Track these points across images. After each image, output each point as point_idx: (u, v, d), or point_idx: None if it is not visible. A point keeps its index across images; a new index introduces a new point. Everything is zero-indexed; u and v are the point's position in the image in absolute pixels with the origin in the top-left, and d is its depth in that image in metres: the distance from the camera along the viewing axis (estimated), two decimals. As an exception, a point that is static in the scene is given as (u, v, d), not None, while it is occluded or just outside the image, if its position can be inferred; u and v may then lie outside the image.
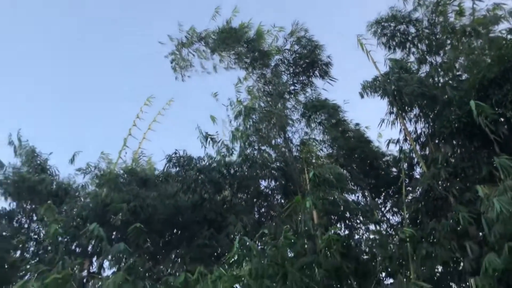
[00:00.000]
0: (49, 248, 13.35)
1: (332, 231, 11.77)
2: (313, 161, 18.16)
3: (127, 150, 19.09)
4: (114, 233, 14.63)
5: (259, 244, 12.89)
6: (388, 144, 16.07)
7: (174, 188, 16.27)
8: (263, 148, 17.73)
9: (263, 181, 17.69)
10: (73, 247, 14.08)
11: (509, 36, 12.39)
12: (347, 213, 14.89)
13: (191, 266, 13.62)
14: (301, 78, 18.70)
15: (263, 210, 17.72)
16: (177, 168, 16.75)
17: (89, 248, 13.77)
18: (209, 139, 17.73)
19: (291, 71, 18.78)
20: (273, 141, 17.97)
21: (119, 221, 13.85)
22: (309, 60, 18.24)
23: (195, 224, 15.13)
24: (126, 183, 16.38)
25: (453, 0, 14.84)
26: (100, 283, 11.42)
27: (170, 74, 19.98)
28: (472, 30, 13.77)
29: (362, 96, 16.11)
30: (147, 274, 13.38)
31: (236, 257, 12.12)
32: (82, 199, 15.24)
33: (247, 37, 18.66)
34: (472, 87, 12.10)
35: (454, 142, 12.86)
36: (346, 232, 15.25)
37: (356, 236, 15.35)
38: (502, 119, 11.39)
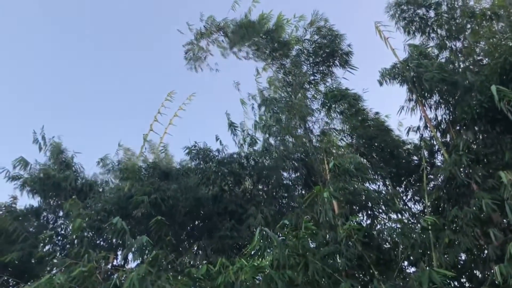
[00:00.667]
0: (75, 242, 13.68)
1: (353, 220, 11.60)
2: (333, 151, 18.16)
3: (150, 144, 19.41)
4: (137, 226, 14.92)
5: (280, 235, 12.97)
6: (408, 132, 15.89)
7: (194, 181, 16.45)
8: (284, 138, 17.77)
9: (284, 172, 17.80)
10: (98, 240, 14.42)
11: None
12: (369, 202, 14.78)
13: (213, 257, 13.83)
14: (321, 68, 18.56)
15: (284, 201, 17.79)
16: (197, 161, 17.03)
17: (114, 241, 14.04)
18: (232, 128, 18.14)
19: (311, 61, 18.63)
20: (294, 132, 17.96)
21: (140, 213, 14.08)
22: (329, 50, 18.07)
23: (216, 215, 15.31)
24: (148, 176, 16.67)
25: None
26: (124, 275, 11.65)
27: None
28: (492, 13, 13.41)
29: (381, 84, 15.90)
30: (169, 266, 13.61)
31: (257, 248, 12.29)
32: (106, 194, 15.53)
33: (267, 28, 18.59)
34: (493, 71, 11.82)
35: (476, 128, 12.61)
36: (368, 221, 15.17)
37: (378, 226, 15.26)
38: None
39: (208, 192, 15.69)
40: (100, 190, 16.98)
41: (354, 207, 14.91)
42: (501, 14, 13.44)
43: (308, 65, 18.67)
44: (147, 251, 11.80)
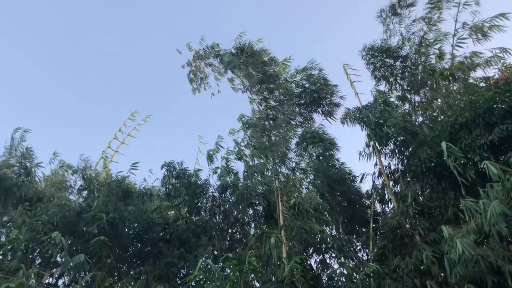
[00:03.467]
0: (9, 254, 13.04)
1: (297, 260, 11.65)
2: (295, 190, 18.35)
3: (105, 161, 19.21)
4: (83, 243, 14.47)
5: (225, 268, 12.86)
6: (361, 179, 16.23)
7: (151, 205, 16.31)
8: (250, 175, 17.83)
9: (243, 207, 17.77)
10: (37, 255, 13.82)
11: (482, 84, 12.66)
12: (320, 244, 14.83)
13: (155, 284, 13.52)
14: (303, 111, 18.56)
15: (237, 236, 17.73)
16: (163, 184, 16.97)
17: (52, 257, 13.52)
18: (208, 157, 18.47)
19: (295, 102, 18.50)
20: (263, 169, 18.09)
21: (95, 230, 13.60)
22: (315, 96, 18.01)
23: (164, 242, 15.06)
24: (107, 193, 16.27)
25: (434, 42, 15.16)
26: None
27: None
28: (450, 74, 14.08)
29: (342, 124, 16.39)
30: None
31: (198, 279, 12.13)
32: (54, 206, 14.95)
33: (262, 62, 18.49)
34: (445, 129, 12.31)
35: (424, 181, 12.97)
36: (316, 263, 15.19)
37: (327, 269, 15.27)
38: (470, 163, 11.52)
39: (161, 217, 15.50)
40: (51, 199, 16.27)
41: (309, 247, 14.93)
42: (458, 75, 14.12)
43: (292, 105, 18.49)
44: (83, 271, 11.49)
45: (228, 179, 17.85)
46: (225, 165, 18.57)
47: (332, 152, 17.31)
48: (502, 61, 13.47)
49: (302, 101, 18.24)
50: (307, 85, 18.18)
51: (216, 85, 19.85)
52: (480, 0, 14.65)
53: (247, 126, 18.07)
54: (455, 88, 14.06)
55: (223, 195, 17.45)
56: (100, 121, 43.65)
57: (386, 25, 16.73)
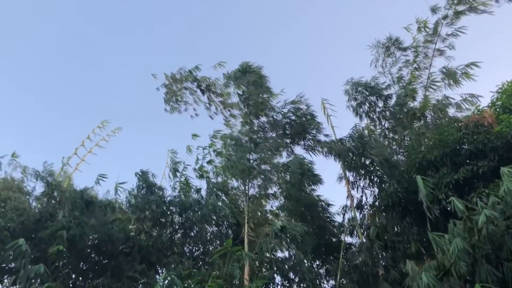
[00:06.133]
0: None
1: (258, 283, 11.56)
2: (264, 214, 18.32)
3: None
4: (39, 252, 13.88)
5: (187, 286, 12.60)
6: (343, 211, 16.17)
7: (113, 216, 15.91)
8: (217, 194, 17.69)
9: (209, 226, 17.57)
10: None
11: (452, 125, 13.14)
12: (285, 271, 14.75)
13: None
14: (284, 141, 18.17)
15: (201, 255, 17.48)
16: (128, 197, 16.61)
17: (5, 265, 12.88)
18: (173, 171, 18.14)
19: (280, 132, 18.12)
20: (232, 190, 17.97)
21: (55, 249, 12.99)
22: (301, 130, 17.83)
23: (125, 255, 14.65)
24: (69, 206, 15.71)
25: (409, 83, 15.82)
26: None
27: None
28: (421, 114, 14.68)
29: (320, 154, 16.80)
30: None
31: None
32: (13, 211, 14.29)
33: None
34: (413, 165, 12.68)
35: (390, 215, 13.23)
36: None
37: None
38: (435, 200, 11.84)
39: (122, 230, 15.12)
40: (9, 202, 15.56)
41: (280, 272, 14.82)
42: (430, 115, 14.75)
43: (277, 135, 18.09)
44: (38, 282, 11.00)
45: (190, 198, 17.68)
46: (184, 181, 18.46)
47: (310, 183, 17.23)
48: (476, 104, 14.19)
49: (287, 132, 18.26)
50: (293, 118, 18.07)
51: (192, 109, 19.80)
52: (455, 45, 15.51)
53: (232, 142, 17.71)
54: (425, 128, 14.59)
55: (188, 212, 17.18)
56: (70, 130, 42.61)
57: (377, 60, 17.49)
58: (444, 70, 15.49)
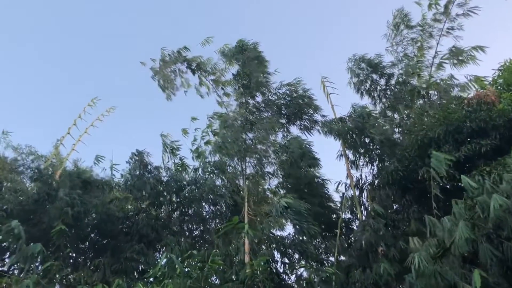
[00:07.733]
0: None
1: (262, 260, 11.65)
2: (263, 192, 18.31)
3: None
4: (39, 232, 13.84)
5: (187, 265, 12.66)
6: (337, 188, 16.16)
7: (111, 195, 15.86)
8: (215, 173, 17.61)
9: (207, 205, 17.55)
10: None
11: (455, 104, 13.01)
12: (285, 248, 14.85)
13: (113, 277, 13.10)
14: (282, 121, 18.16)
15: (200, 233, 17.54)
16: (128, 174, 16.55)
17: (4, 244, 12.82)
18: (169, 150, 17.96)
19: (276, 112, 18.06)
20: (229, 169, 17.86)
21: (61, 225, 12.92)
22: (297, 111, 17.76)
23: (123, 235, 14.66)
24: (68, 185, 15.62)
25: (416, 62, 15.62)
26: (10, 283, 10.70)
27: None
28: (426, 93, 14.55)
29: (320, 133, 16.68)
30: (63, 280, 12.71)
31: (159, 274, 11.85)
32: (10, 192, 14.16)
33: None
34: (414, 143, 12.60)
35: (390, 193, 13.23)
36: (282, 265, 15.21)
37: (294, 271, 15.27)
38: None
39: (121, 209, 15.09)
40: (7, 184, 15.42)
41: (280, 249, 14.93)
42: (434, 94, 14.64)
43: (273, 115, 17.96)
44: (38, 261, 10.99)
45: (187, 176, 17.62)
46: (180, 162, 18.37)
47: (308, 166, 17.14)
48: (481, 79, 14.05)
49: (283, 112, 18.09)
50: (289, 99, 17.95)
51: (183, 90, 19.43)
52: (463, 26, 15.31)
53: (228, 122, 17.53)
54: (429, 106, 14.49)
55: (185, 190, 17.14)
56: (61, 107, 42.12)
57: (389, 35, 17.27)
58: (453, 49, 15.31)
